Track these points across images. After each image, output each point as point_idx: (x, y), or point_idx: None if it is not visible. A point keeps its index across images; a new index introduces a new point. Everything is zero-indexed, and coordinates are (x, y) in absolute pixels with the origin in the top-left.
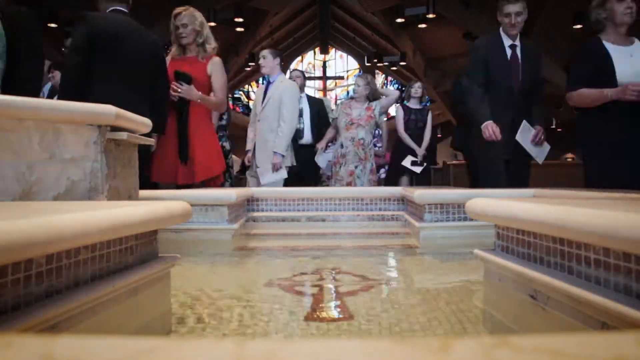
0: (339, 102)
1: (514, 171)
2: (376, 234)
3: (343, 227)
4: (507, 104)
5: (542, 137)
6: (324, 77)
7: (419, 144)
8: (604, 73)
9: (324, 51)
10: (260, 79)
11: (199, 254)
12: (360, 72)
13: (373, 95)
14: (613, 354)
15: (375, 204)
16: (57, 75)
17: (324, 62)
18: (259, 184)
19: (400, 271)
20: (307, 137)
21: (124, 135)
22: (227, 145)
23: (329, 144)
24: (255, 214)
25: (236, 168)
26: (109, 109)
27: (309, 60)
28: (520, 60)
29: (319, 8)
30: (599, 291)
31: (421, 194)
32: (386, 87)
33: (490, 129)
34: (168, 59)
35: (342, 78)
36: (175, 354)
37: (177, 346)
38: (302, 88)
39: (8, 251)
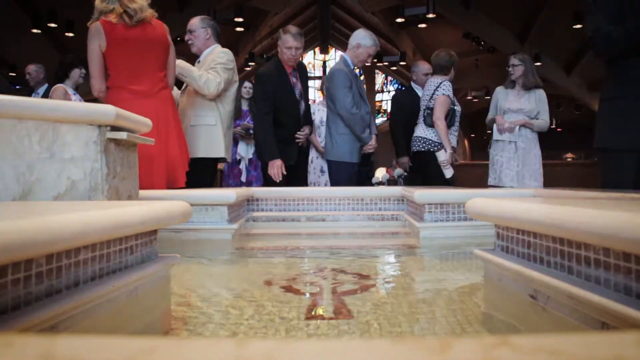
0: None
1: None
2: (376, 234)
3: (343, 227)
4: None
5: None
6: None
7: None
8: None
9: (324, 51)
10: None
11: (199, 254)
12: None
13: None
14: (613, 354)
15: (375, 203)
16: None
17: (324, 62)
18: None
19: (400, 271)
20: None
21: (123, 135)
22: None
23: None
24: (255, 214)
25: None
26: (109, 109)
27: (309, 60)
28: None
29: (319, 8)
30: (599, 291)
31: (421, 194)
32: (386, 86)
33: None
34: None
35: None
36: (175, 354)
37: (177, 346)
38: None
39: (8, 251)
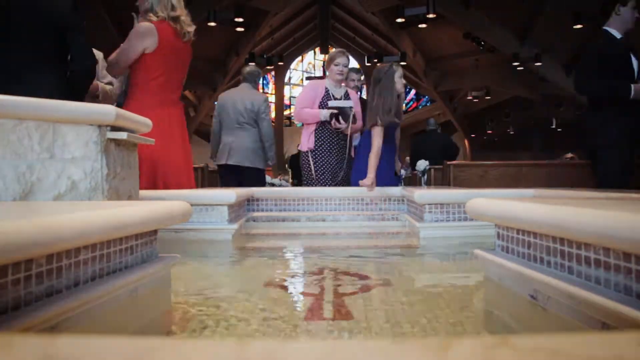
0: None
1: None
2: (376, 234)
3: (343, 227)
4: None
5: None
6: (324, 77)
7: None
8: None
9: (324, 51)
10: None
11: (199, 254)
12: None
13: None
14: (613, 354)
15: (376, 204)
16: None
17: (324, 62)
18: None
19: (400, 271)
20: None
21: (124, 135)
22: None
23: None
24: (255, 214)
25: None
26: (109, 109)
27: (309, 60)
28: None
29: (319, 8)
30: (599, 291)
31: (421, 194)
32: None
33: None
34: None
35: None
36: (175, 354)
37: (177, 346)
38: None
39: (8, 251)
